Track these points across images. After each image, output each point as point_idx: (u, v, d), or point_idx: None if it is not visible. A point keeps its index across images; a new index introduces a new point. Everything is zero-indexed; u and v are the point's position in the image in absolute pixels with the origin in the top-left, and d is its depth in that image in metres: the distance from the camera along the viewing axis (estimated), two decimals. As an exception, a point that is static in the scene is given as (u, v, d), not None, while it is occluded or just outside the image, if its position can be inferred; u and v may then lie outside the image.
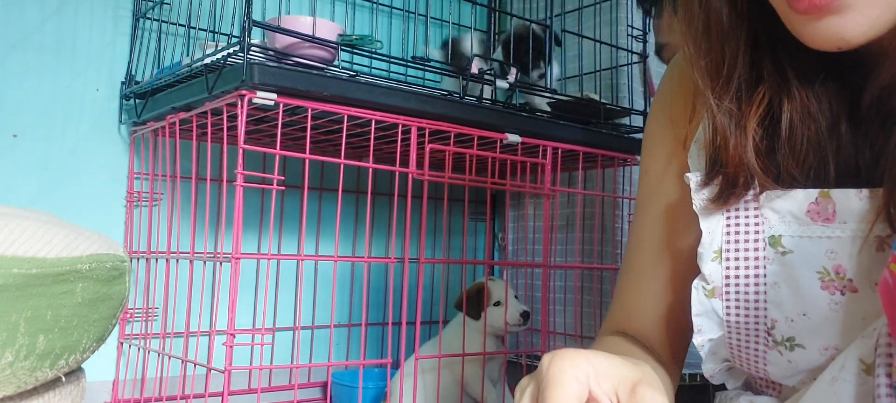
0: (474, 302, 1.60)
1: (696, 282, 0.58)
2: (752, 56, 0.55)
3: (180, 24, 1.51)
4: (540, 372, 0.45)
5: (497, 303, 1.59)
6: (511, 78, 1.58)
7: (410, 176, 1.37)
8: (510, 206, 2.08)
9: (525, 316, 1.58)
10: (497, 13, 2.20)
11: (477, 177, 1.51)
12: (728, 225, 0.57)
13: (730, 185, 0.56)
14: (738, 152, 0.55)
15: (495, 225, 2.17)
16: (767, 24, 0.54)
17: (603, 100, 1.80)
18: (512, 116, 1.55)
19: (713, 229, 0.57)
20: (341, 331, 1.93)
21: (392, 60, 1.58)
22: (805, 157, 0.54)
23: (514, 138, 1.53)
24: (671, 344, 0.66)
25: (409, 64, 1.57)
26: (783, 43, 0.54)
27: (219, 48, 1.28)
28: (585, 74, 1.90)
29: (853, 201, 0.51)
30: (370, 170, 1.36)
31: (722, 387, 0.64)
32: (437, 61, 1.69)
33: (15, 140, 1.54)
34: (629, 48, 1.85)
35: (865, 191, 0.50)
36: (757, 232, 0.55)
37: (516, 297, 1.64)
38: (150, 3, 1.62)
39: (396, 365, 1.65)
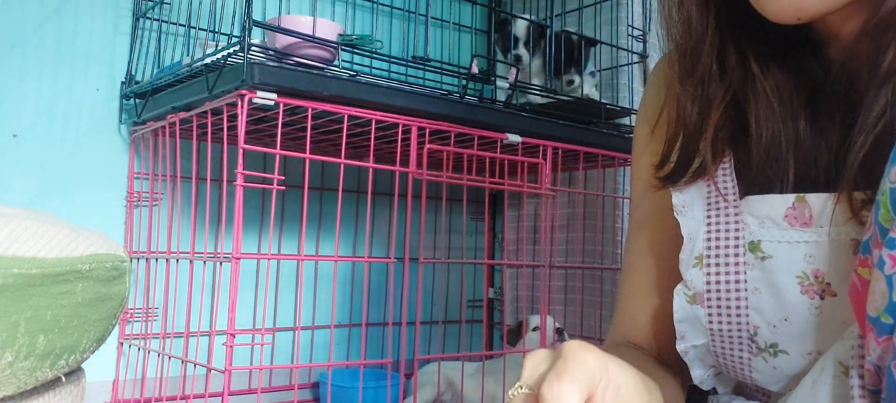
0: (515, 333, 1.75)
1: (678, 288, 0.58)
2: (719, 46, 0.56)
3: (180, 24, 1.50)
4: (561, 349, 0.42)
5: (535, 329, 1.71)
6: (511, 78, 1.58)
7: (410, 176, 1.37)
8: (509, 206, 2.07)
9: (559, 332, 1.71)
10: (497, 13, 2.20)
11: (477, 176, 1.51)
12: (708, 231, 0.57)
13: (685, 164, 0.57)
14: (696, 132, 0.56)
15: (496, 224, 2.17)
16: (734, 14, 0.55)
17: (603, 101, 1.80)
18: (512, 116, 1.55)
19: (694, 235, 0.57)
20: (341, 331, 1.93)
21: (392, 60, 1.57)
22: (769, 153, 0.55)
23: (514, 138, 1.52)
24: (672, 350, 0.66)
25: (409, 64, 1.57)
26: (747, 33, 0.55)
27: (219, 48, 1.28)
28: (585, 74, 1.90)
29: (828, 205, 0.51)
30: (370, 169, 1.36)
31: (714, 391, 0.64)
32: (437, 61, 1.69)
33: (15, 140, 1.54)
34: (629, 48, 1.85)
35: (838, 194, 0.51)
36: (737, 238, 0.55)
37: (557, 328, 1.76)
38: (150, 3, 1.62)
39: (397, 367, 1.64)
